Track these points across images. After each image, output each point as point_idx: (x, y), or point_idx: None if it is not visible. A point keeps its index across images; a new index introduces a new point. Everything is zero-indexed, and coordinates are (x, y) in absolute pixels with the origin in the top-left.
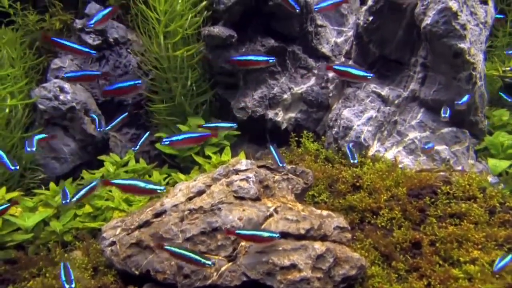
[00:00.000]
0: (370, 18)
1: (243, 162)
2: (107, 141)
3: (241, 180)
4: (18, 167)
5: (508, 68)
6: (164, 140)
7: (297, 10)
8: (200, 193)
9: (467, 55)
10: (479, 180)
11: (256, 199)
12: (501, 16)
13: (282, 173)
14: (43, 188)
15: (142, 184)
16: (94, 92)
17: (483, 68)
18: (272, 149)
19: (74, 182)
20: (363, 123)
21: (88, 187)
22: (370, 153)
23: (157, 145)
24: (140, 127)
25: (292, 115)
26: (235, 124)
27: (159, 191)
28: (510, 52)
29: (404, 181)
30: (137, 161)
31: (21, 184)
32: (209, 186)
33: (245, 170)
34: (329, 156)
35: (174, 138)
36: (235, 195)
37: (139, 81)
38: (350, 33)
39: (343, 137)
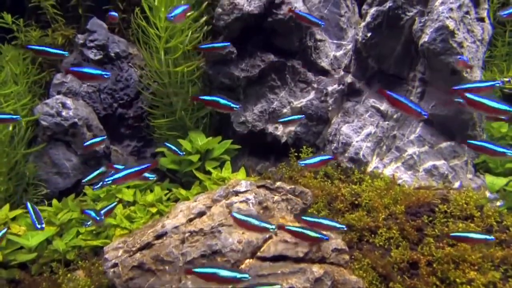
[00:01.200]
0: (369, 34)
1: (242, 184)
2: (109, 155)
3: (241, 202)
4: (103, 218)
5: (506, 79)
6: (106, 180)
7: (322, 25)
8: (200, 214)
9: (464, 72)
10: (476, 198)
11: None
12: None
13: (281, 193)
14: (46, 203)
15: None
16: (96, 106)
17: None
18: None
19: (76, 198)
20: (362, 139)
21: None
22: (369, 169)
23: (161, 160)
24: (141, 139)
25: (292, 128)
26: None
27: None
28: None
29: (402, 199)
30: None
31: (25, 199)
32: (209, 207)
33: (245, 192)
34: (329, 172)
35: (116, 177)
36: None
37: (108, 73)
38: (349, 47)
39: (342, 153)
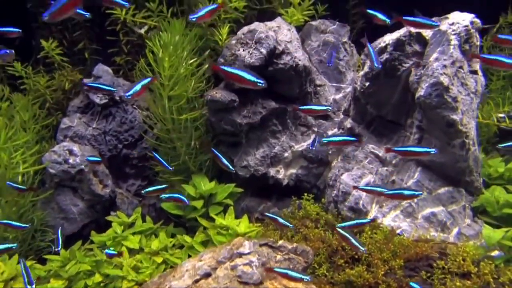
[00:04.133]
0: (367, 84)
1: (246, 245)
2: (114, 199)
3: (245, 264)
4: None
5: (501, 115)
6: None
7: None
8: (206, 275)
9: (459, 125)
10: (473, 254)
11: (259, 283)
12: None
13: (284, 253)
14: (53, 247)
15: None
16: (101, 148)
17: (476, 134)
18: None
19: (83, 245)
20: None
21: None
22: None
23: (163, 205)
24: (145, 178)
25: (293, 171)
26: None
27: None
28: None
29: (401, 252)
30: (143, 217)
31: (32, 246)
32: (214, 269)
33: (248, 254)
34: (329, 220)
35: None
36: (239, 280)
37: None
38: (348, 90)
39: (342, 201)
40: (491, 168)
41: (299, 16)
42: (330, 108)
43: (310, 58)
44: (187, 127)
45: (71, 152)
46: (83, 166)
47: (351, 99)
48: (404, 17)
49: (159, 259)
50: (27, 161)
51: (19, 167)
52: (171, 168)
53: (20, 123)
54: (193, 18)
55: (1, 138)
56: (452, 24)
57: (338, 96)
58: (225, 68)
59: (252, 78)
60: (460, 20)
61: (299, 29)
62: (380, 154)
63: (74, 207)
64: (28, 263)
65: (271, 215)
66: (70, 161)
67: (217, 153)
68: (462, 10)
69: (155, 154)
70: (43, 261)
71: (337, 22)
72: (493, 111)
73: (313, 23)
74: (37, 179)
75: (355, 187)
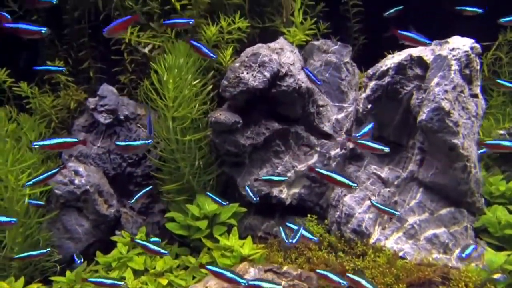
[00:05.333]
0: (369, 106)
1: (251, 271)
2: (119, 218)
3: None
4: None
5: (501, 132)
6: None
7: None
8: None
9: (460, 149)
10: (475, 279)
11: None
12: None
13: (288, 279)
14: (58, 268)
15: None
16: (106, 167)
17: (477, 157)
18: None
19: (89, 266)
20: (364, 210)
21: None
22: (372, 241)
23: (167, 225)
24: (149, 196)
25: (296, 190)
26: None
27: None
28: None
29: (404, 276)
30: (148, 236)
31: (37, 266)
32: None
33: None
34: (332, 242)
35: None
36: None
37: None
38: (350, 109)
39: (345, 223)
40: (493, 186)
41: (301, 36)
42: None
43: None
44: (191, 147)
45: (76, 173)
46: (88, 187)
47: (353, 120)
48: (399, 31)
49: (164, 281)
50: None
51: (26, 188)
52: (225, 204)
53: (27, 143)
54: (105, 30)
55: (9, 160)
56: (453, 49)
57: (340, 116)
58: None
59: None
60: (460, 45)
61: (301, 47)
62: (383, 175)
63: (79, 227)
64: (34, 285)
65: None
66: (76, 181)
67: (196, 43)
68: (462, 34)
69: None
70: (48, 282)
71: (339, 43)
72: (493, 127)
73: (315, 43)
74: (43, 199)
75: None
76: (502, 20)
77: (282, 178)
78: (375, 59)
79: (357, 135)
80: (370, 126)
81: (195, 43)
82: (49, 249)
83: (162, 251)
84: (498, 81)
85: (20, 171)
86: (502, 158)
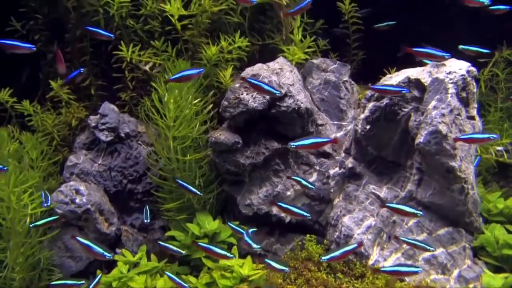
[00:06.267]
0: (368, 127)
1: None
2: (120, 236)
3: None
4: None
5: (499, 148)
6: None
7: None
8: None
9: (458, 171)
10: None
11: None
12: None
13: None
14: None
15: None
16: (107, 184)
17: (474, 178)
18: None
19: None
20: (362, 231)
21: None
22: (370, 262)
23: (169, 243)
24: (150, 213)
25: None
26: None
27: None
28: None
29: None
30: (148, 254)
31: (39, 286)
32: None
33: None
34: (332, 263)
35: None
36: None
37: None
38: (349, 127)
39: (344, 244)
40: (490, 204)
41: (300, 55)
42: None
43: (312, 97)
44: (191, 166)
45: (77, 192)
46: (89, 206)
47: (352, 139)
48: (414, 49)
49: None
50: (34, 201)
51: (28, 207)
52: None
53: (29, 161)
54: (171, 79)
55: (11, 182)
56: (450, 73)
57: (339, 134)
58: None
59: (271, 89)
60: (457, 68)
61: (301, 64)
62: (381, 195)
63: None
64: None
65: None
66: (77, 201)
67: (254, 81)
68: (458, 58)
69: (182, 182)
70: None
71: (338, 61)
72: (491, 143)
73: (315, 61)
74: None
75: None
76: (461, 46)
77: (310, 186)
78: (374, 74)
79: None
80: None
81: (253, 81)
82: (83, 281)
83: (228, 254)
84: None
85: (22, 191)
86: (500, 172)
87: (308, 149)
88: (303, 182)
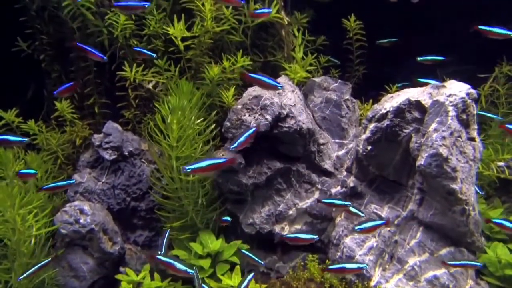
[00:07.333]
0: (369, 148)
1: None
2: (124, 255)
3: None
4: None
5: (500, 164)
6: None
7: None
8: None
9: (459, 193)
10: None
11: None
12: None
13: None
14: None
15: None
16: (110, 202)
17: (475, 198)
18: None
19: None
20: (364, 253)
21: None
22: (372, 283)
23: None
24: (153, 229)
25: (298, 227)
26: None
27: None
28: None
29: None
30: (151, 272)
31: None
32: None
33: None
34: (334, 284)
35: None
36: None
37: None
38: (351, 145)
39: None
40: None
41: (302, 73)
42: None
43: (313, 115)
44: (194, 185)
45: (82, 212)
46: (93, 226)
47: (353, 159)
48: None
49: None
50: (39, 221)
51: (33, 228)
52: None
53: (34, 181)
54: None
55: (16, 204)
56: (450, 95)
57: (341, 153)
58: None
59: (273, 82)
60: (457, 91)
61: (302, 82)
62: (383, 215)
63: (84, 265)
64: None
65: None
66: (81, 221)
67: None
68: (458, 76)
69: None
70: None
71: (339, 80)
72: (493, 156)
73: (316, 79)
74: (49, 241)
75: None
76: (419, 58)
77: (345, 203)
78: (375, 91)
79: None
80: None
81: (254, 76)
82: None
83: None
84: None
85: (27, 212)
86: (502, 188)
87: (204, 172)
88: (353, 209)
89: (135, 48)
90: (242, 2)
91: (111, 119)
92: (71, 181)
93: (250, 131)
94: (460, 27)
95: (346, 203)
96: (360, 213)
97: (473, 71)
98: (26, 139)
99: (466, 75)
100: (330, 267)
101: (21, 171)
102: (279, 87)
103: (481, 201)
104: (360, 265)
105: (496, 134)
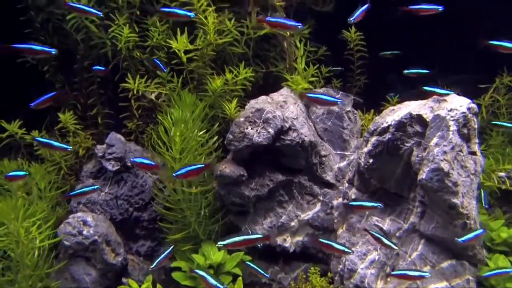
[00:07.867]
0: (370, 161)
1: None
2: (126, 266)
3: None
4: None
5: (501, 174)
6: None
7: None
8: None
9: (460, 208)
10: None
11: None
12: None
13: None
14: None
15: None
16: (113, 212)
17: (476, 212)
18: None
19: None
20: (366, 266)
21: None
22: None
23: (174, 275)
24: (155, 240)
25: (300, 238)
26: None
27: None
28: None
29: None
30: (154, 283)
31: None
32: None
33: None
34: None
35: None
36: None
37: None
38: (353, 157)
39: (348, 278)
40: (493, 233)
41: (304, 85)
42: None
43: (315, 127)
44: (197, 197)
45: (85, 223)
46: (96, 237)
47: (355, 171)
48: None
49: None
50: (42, 232)
51: (36, 240)
52: None
53: (37, 192)
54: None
55: (20, 216)
56: (451, 110)
57: (342, 164)
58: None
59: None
60: (458, 106)
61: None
62: (385, 228)
63: (87, 277)
64: None
65: None
66: (84, 232)
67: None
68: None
69: None
70: None
71: (341, 92)
72: (494, 166)
73: (318, 91)
74: (53, 252)
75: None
76: (405, 71)
77: (376, 204)
78: (377, 99)
79: None
80: None
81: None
82: None
83: None
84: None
85: (31, 224)
86: (503, 198)
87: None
88: (385, 241)
89: (155, 60)
90: (300, 27)
91: (114, 130)
92: (95, 187)
93: None
94: (459, 34)
95: (376, 204)
96: (394, 246)
97: (474, 80)
98: (70, 147)
99: (466, 84)
100: (393, 273)
101: (9, 173)
102: (339, 103)
103: (482, 212)
104: (423, 273)
105: (497, 144)
